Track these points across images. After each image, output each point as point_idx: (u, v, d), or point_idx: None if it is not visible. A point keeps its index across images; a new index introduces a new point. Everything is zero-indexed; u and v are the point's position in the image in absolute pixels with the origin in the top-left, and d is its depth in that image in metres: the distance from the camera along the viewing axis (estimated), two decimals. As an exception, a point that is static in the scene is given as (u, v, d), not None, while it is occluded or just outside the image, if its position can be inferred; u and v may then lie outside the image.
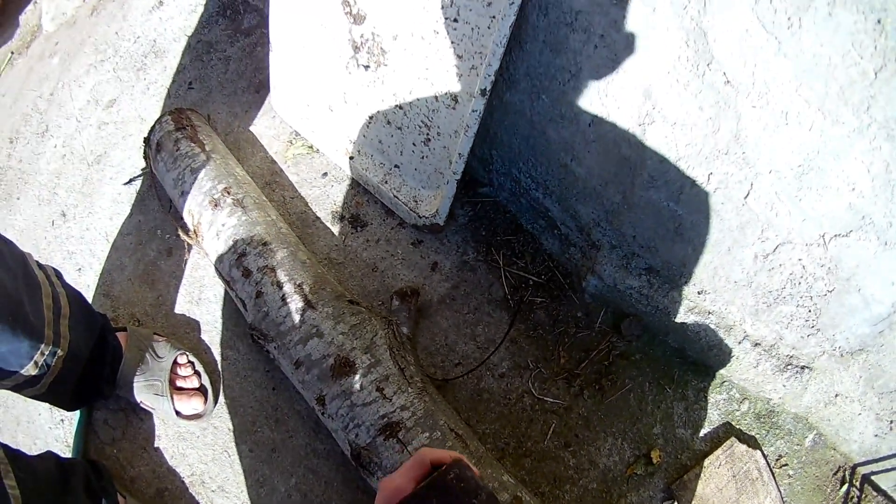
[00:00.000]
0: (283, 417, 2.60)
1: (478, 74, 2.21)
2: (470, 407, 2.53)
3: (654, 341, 2.62)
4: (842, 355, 2.29)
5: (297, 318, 2.38)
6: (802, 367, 2.41)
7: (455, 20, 2.16)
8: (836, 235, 1.90)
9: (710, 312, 2.44)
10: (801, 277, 2.09)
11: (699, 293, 2.42)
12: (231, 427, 2.64)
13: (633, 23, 1.93)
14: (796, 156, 1.81)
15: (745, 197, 1.99)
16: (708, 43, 1.78)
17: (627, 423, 2.49)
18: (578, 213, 2.58)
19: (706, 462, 2.38)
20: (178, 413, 2.71)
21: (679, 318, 2.50)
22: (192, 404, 2.71)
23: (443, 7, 2.17)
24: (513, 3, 2.02)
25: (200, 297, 2.87)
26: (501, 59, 2.17)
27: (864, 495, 2.44)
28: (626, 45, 1.99)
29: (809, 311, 2.20)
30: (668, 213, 2.22)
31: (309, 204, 3.01)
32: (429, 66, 2.36)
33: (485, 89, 2.22)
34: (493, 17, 2.07)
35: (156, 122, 2.96)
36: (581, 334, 2.64)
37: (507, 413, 2.51)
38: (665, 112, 2.02)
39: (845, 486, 2.45)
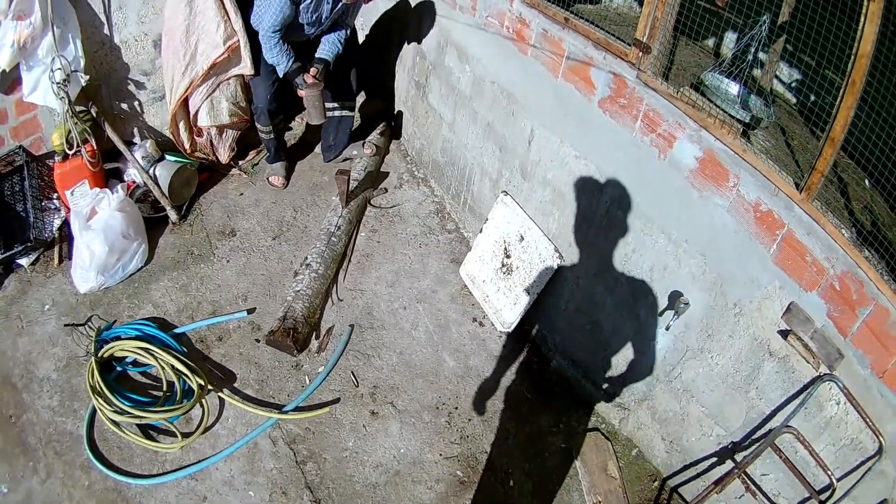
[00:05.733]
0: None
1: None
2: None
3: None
4: (638, 401, 3.05)
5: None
6: (624, 408, 3.14)
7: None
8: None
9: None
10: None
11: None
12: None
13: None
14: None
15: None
16: None
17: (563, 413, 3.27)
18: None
19: (587, 436, 3.17)
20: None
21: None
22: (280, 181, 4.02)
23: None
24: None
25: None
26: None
27: (671, 501, 2.98)
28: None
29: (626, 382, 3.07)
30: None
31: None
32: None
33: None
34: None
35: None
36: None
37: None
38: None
39: (656, 483, 3.03)
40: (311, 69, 3.51)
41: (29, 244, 3.28)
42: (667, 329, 2.70)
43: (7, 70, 3.05)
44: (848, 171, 2.42)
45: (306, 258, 3.47)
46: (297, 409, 3.03)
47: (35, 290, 3.31)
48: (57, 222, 3.44)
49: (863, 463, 2.15)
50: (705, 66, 2.68)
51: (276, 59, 3.38)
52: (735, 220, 2.37)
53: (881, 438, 2.03)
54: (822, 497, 2.24)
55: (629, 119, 2.65)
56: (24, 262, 3.36)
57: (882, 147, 2.04)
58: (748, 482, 2.47)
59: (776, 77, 2.84)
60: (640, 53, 2.52)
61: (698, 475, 2.82)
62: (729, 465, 2.63)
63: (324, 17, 3.39)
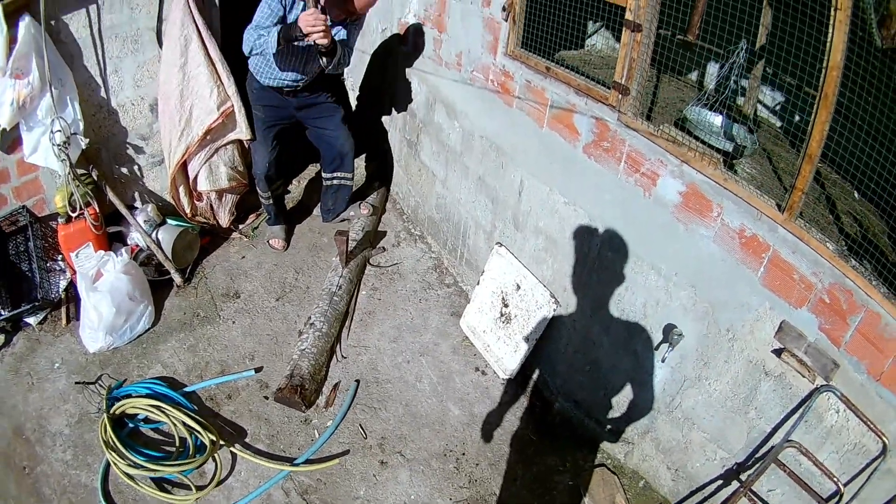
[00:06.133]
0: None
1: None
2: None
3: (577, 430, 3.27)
4: (641, 434, 2.98)
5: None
6: (628, 442, 3.07)
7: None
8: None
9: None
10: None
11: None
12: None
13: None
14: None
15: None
16: None
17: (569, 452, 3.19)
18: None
19: (594, 472, 3.10)
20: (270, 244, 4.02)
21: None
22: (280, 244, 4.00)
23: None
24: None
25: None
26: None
27: None
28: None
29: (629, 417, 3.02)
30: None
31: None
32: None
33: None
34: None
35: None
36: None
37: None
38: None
39: None
40: None
41: (36, 303, 3.25)
42: (662, 361, 2.68)
43: (7, 129, 3.04)
44: (837, 185, 2.43)
45: (310, 318, 3.44)
46: (308, 462, 2.95)
47: (44, 348, 3.26)
48: (63, 283, 3.41)
49: (868, 465, 2.12)
50: (689, 100, 2.73)
51: (264, 33, 2.96)
52: (721, 249, 2.38)
53: (884, 438, 2.02)
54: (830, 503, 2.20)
55: (613, 161, 2.68)
56: (31, 320, 3.31)
57: (860, 156, 2.03)
58: (755, 499, 2.43)
59: (760, 103, 2.85)
60: (620, 96, 2.54)
61: (706, 499, 2.76)
62: (735, 485, 2.58)
63: None
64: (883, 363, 2.01)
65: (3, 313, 3.17)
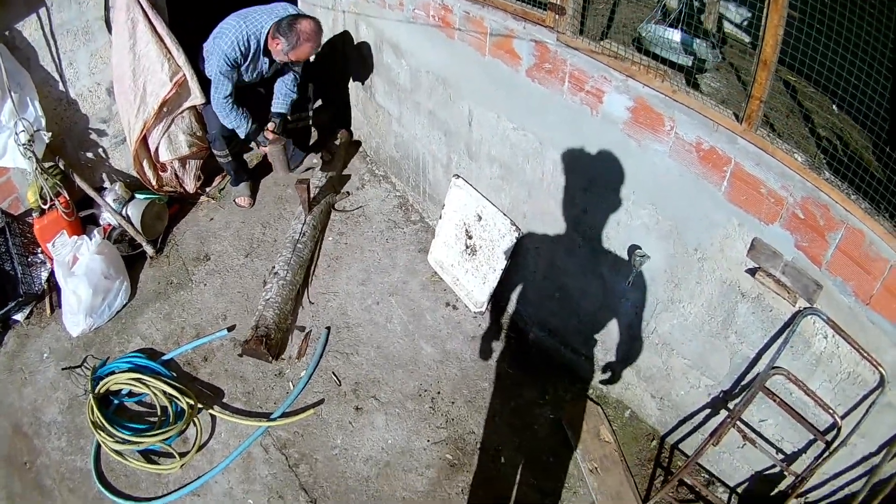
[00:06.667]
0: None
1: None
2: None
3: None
4: (620, 361, 2.57)
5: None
6: (605, 370, 2.66)
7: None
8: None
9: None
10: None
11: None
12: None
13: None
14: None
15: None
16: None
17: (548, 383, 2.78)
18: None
19: (576, 404, 2.67)
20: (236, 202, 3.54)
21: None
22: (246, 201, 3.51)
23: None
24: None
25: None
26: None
27: (673, 458, 2.50)
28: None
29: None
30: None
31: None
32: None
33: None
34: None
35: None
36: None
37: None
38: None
39: (654, 442, 2.54)
40: (269, 125, 3.12)
41: (21, 299, 2.93)
42: (629, 284, 2.24)
43: (-26, 138, 2.68)
44: (814, 100, 1.96)
45: (273, 267, 3.01)
46: (285, 415, 2.63)
47: (32, 341, 2.94)
48: (44, 274, 3.06)
49: (866, 397, 1.69)
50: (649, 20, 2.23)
51: (235, 123, 3.03)
52: (678, 164, 1.93)
53: (881, 369, 1.57)
54: (828, 437, 1.76)
55: (557, 82, 2.22)
56: (19, 317, 2.99)
57: (839, 71, 1.55)
58: (745, 430, 2.00)
59: (726, 19, 2.37)
60: (556, 16, 2.11)
61: (695, 429, 2.35)
62: (724, 414, 2.16)
63: (264, 71, 3.03)
64: (872, 285, 1.54)
65: (-10, 315, 2.87)
